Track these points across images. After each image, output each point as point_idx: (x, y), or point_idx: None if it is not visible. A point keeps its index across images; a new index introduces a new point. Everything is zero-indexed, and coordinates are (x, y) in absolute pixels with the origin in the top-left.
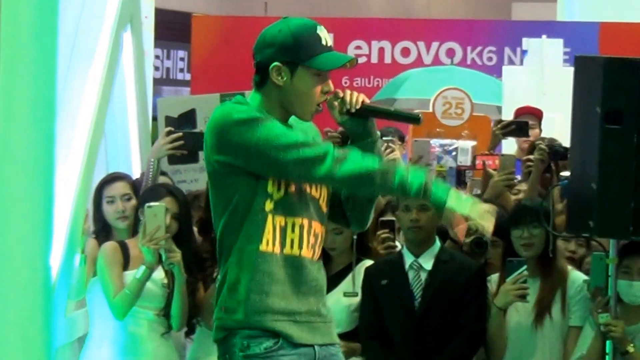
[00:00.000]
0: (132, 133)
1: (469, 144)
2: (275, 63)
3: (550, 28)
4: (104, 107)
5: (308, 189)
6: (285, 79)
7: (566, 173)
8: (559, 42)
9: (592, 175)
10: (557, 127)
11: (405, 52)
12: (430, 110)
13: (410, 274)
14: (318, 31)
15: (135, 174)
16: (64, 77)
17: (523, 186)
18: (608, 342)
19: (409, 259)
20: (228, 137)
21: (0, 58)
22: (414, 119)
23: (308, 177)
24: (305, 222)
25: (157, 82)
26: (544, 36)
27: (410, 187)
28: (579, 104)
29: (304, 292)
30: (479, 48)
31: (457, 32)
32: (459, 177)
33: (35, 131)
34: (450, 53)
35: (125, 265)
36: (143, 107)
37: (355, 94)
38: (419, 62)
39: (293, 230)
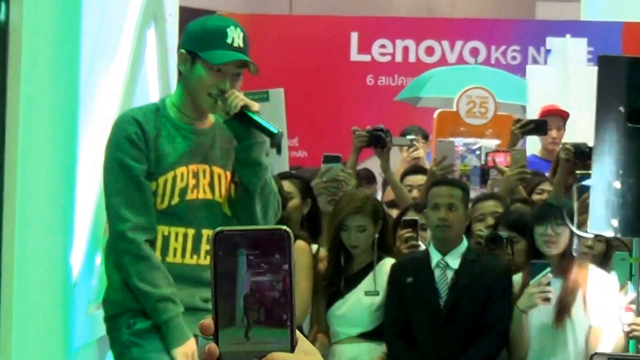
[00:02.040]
0: None
1: (493, 142)
2: (181, 50)
3: (574, 27)
4: (127, 104)
5: (209, 196)
6: (186, 67)
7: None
8: (583, 41)
9: (615, 174)
10: (581, 127)
11: (430, 51)
12: (454, 109)
13: (437, 273)
14: (228, 30)
15: None
16: (86, 74)
17: (547, 186)
18: (631, 342)
19: (435, 257)
20: None
21: (23, 56)
22: (272, 134)
23: None
24: (191, 231)
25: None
26: (567, 35)
27: None
28: (603, 103)
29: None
30: (503, 47)
31: (481, 31)
32: (483, 176)
33: (57, 129)
34: (474, 52)
35: None
36: None
37: (238, 98)
38: (443, 61)
39: (176, 240)
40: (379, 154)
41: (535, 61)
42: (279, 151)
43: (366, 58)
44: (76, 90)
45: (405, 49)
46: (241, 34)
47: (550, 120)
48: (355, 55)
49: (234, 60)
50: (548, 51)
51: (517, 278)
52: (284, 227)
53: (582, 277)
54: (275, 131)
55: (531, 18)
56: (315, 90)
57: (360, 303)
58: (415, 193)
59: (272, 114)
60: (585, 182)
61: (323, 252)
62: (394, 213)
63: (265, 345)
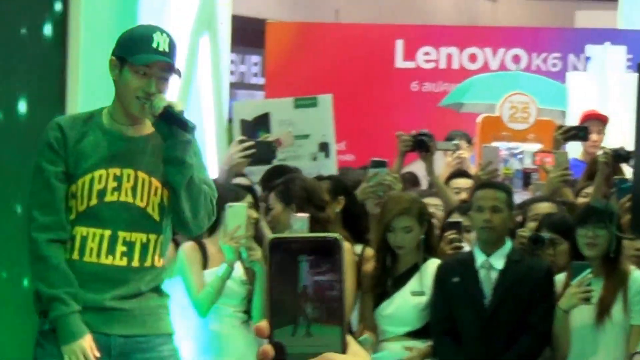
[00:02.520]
0: (208, 135)
1: (535, 147)
2: (111, 57)
3: (613, 35)
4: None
5: (130, 200)
6: (115, 72)
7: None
8: (622, 49)
9: None
10: (619, 131)
11: (473, 58)
12: (497, 114)
13: (481, 273)
14: (154, 35)
15: (210, 172)
16: None
17: (590, 189)
18: None
19: (480, 258)
20: None
21: (81, 63)
22: (188, 127)
23: None
24: (107, 232)
25: (232, 86)
26: (606, 43)
27: None
28: None
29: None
30: (544, 55)
31: (522, 39)
32: (525, 180)
33: None
34: (516, 59)
35: (204, 264)
36: (219, 109)
37: (163, 100)
38: (485, 68)
39: (93, 240)
40: (423, 157)
41: (575, 68)
42: (327, 155)
43: (411, 65)
44: None
45: (449, 56)
46: (167, 39)
47: (591, 124)
48: (400, 62)
49: (159, 63)
50: (587, 58)
51: (560, 278)
52: (336, 234)
53: (622, 278)
54: (192, 125)
55: (570, 26)
56: (362, 96)
57: (407, 303)
58: (463, 195)
59: (320, 119)
60: (625, 185)
61: (369, 252)
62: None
63: (320, 342)
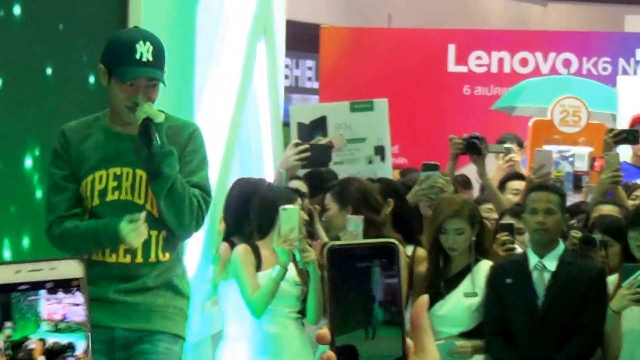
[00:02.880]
0: (265, 138)
1: (586, 150)
2: (100, 64)
3: None
4: (239, 114)
5: (129, 197)
6: (104, 80)
7: None
8: None
9: None
10: None
11: (524, 62)
12: (549, 117)
13: (534, 274)
14: (137, 45)
15: (268, 178)
16: (200, 85)
17: None
18: None
19: (533, 259)
20: None
21: None
22: (152, 145)
23: None
24: None
25: (287, 90)
26: None
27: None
28: None
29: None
30: (594, 59)
31: (572, 43)
32: (576, 182)
33: None
34: (567, 63)
35: (258, 266)
36: (276, 114)
37: (143, 110)
38: (536, 72)
39: None
40: (475, 160)
41: (625, 72)
42: (383, 158)
43: (463, 69)
44: (191, 101)
45: (501, 60)
46: (150, 48)
47: None
48: (452, 67)
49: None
50: (638, 62)
51: (612, 280)
52: (393, 240)
53: None
54: (154, 142)
55: (620, 30)
56: (414, 100)
57: (460, 304)
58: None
59: (376, 122)
60: None
61: (420, 253)
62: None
63: (384, 346)
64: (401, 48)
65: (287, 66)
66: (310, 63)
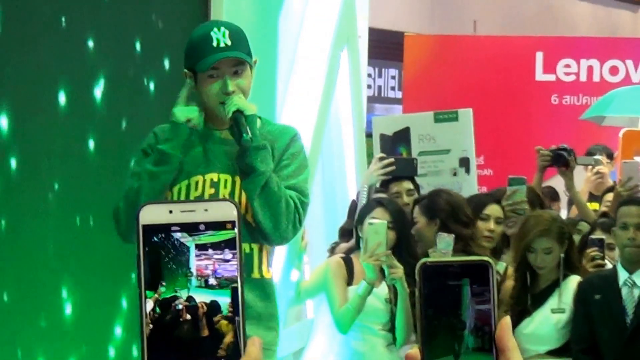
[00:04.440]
0: (347, 150)
1: None
2: (184, 70)
3: None
4: (321, 124)
5: None
6: (192, 85)
7: None
8: None
9: None
10: None
11: (614, 70)
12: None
13: (624, 291)
14: (212, 33)
15: (350, 189)
16: (282, 95)
17: None
18: None
19: (623, 275)
20: None
21: None
22: (242, 138)
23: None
24: None
25: (369, 99)
26: None
27: None
28: None
29: None
30: None
31: None
32: None
33: None
34: None
35: (350, 280)
36: (359, 124)
37: (233, 103)
38: (627, 81)
39: None
40: (562, 173)
41: None
42: (467, 170)
43: (551, 78)
44: (273, 110)
45: (590, 69)
46: (226, 32)
47: None
48: (540, 75)
49: (224, 60)
50: None
51: None
52: (487, 258)
53: None
54: (244, 136)
55: None
56: (501, 110)
57: (548, 321)
58: None
59: (460, 133)
60: None
61: (509, 269)
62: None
63: None
64: (487, 56)
65: (369, 75)
66: (393, 72)
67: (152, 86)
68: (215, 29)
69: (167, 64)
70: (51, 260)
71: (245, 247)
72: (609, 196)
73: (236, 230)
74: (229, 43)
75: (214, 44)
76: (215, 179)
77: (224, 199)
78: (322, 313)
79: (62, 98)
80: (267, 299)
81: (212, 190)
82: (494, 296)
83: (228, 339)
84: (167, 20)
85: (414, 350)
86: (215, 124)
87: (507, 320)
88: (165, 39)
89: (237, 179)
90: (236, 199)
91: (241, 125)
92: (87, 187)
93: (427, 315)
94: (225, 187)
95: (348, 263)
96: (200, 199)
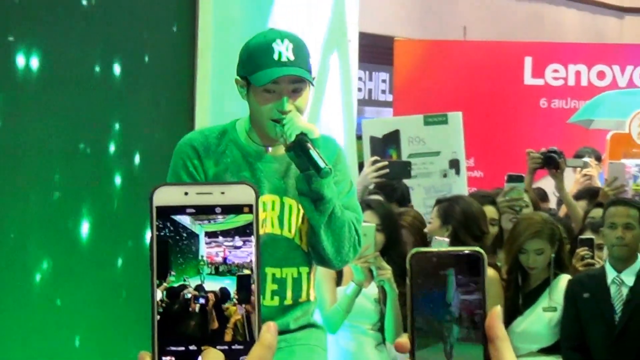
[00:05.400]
0: None
1: None
2: (236, 77)
3: None
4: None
5: (277, 231)
6: (243, 93)
7: None
8: None
9: None
10: None
11: (601, 75)
12: (627, 131)
13: (612, 289)
14: (274, 44)
15: None
16: None
17: None
18: None
19: (611, 274)
20: None
21: (212, 80)
22: (318, 169)
23: None
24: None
25: (360, 102)
26: None
27: None
28: None
29: None
30: None
31: None
32: None
33: None
34: None
35: (339, 281)
36: (350, 127)
37: (294, 125)
38: (614, 85)
39: None
40: (553, 174)
41: None
42: (457, 172)
43: (540, 82)
44: None
45: (578, 73)
46: (290, 45)
47: None
48: (529, 79)
49: (283, 77)
50: None
51: None
52: (479, 249)
53: None
54: (323, 167)
55: None
56: (491, 113)
57: (539, 319)
58: None
59: (450, 136)
60: None
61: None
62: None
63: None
64: (477, 61)
65: (360, 78)
66: (384, 75)
67: (134, 84)
68: (278, 40)
69: (146, 59)
70: None
71: (293, 271)
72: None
73: (253, 214)
74: (292, 58)
75: (275, 56)
76: (263, 200)
77: (242, 182)
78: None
79: None
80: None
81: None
82: (484, 286)
83: (231, 322)
84: (151, 16)
85: (404, 338)
86: (256, 138)
87: (497, 309)
88: (148, 35)
89: (286, 200)
90: (285, 222)
91: (309, 151)
92: None
93: (416, 304)
94: (273, 209)
95: None
96: (218, 181)
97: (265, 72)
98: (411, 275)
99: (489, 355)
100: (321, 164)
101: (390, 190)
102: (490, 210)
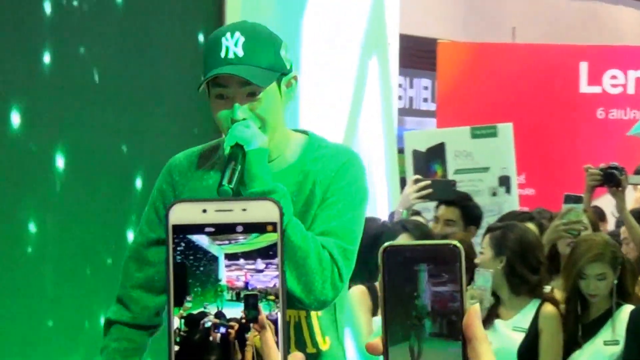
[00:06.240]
0: (377, 165)
1: None
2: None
3: None
4: (349, 139)
5: None
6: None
7: None
8: None
9: None
10: None
11: None
12: None
13: None
14: (223, 39)
15: (380, 207)
16: (306, 109)
17: None
18: None
19: None
20: None
21: None
22: (218, 186)
23: None
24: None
25: (400, 112)
26: None
27: None
28: None
29: None
30: None
31: None
32: None
33: None
34: None
35: (375, 310)
36: (390, 139)
37: (232, 134)
38: None
39: None
40: (613, 193)
41: None
42: (508, 190)
43: (596, 90)
44: (295, 123)
45: (638, 80)
46: (241, 39)
47: None
48: (584, 87)
49: (234, 77)
50: None
51: None
52: (454, 242)
53: None
54: (222, 185)
55: None
56: (542, 124)
57: (600, 353)
58: None
59: (500, 149)
60: None
61: (557, 294)
62: None
63: (439, 359)
64: (527, 65)
65: (400, 85)
66: (426, 82)
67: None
68: (228, 34)
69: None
70: None
71: (294, 314)
72: None
73: (278, 233)
74: (241, 54)
75: (222, 53)
76: None
77: (265, 198)
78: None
79: None
80: None
81: None
82: (462, 282)
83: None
84: (178, 21)
85: (376, 340)
86: None
87: (475, 308)
88: (176, 42)
89: None
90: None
91: (227, 167)
92: None
93: (388, 300)
94: None
95: (372, 292)
96: (239, 197)
97: (211, 72)
98: (383, 270)
99: (466, 354)
100: (223, 181)
101: (472, 208)
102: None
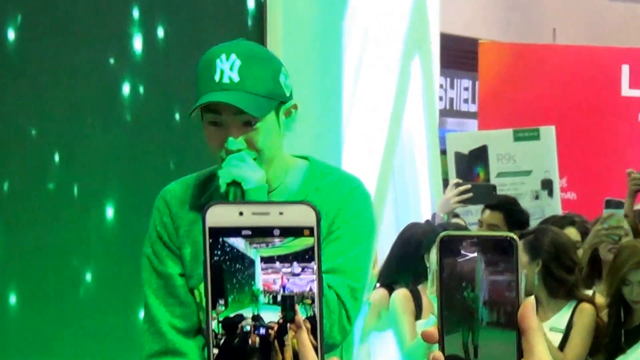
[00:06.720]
0: (420, 167)
1: None
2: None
3: None
4: (393, 141)
5: None
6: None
7: None
8: None
9: None
10: None
11: None
12: None
13: None
14: (218, 60)
15: (424, 210)
16: (348, 111)
17: None
18: None
19: None
20: None
21: None
22: None
23: None
24: None
25: (441, 113)
26: None
27: None
28: None
29: None
30: None
31: None
32: None
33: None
34: None
35: (418, 314)
36: (433, 140)
37: (227, 171)
38: None
39: None
40: None
41: None
42: (550, 193)
43: (638, 93)
44: (339, 125)
45: None
46: (237, 63)
47: None
48: (626, 90)
49: (223, 106)
50: None
51: None
52: (511, 234)
53: None
54: None
55: None
56: (584, 127)
57: None
58: None
59: (542, 153)
60: None
61: (599, 299)
62: None
63: (495, 348)
64: (567, 67)
65: (441, 86)
66: (466, 83)
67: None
68: (223, 56)
69: None
70: None
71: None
72: None
73: (315, 237)
74: (236, 79)
75: (217, 77)
76: None
77: (302, 202)
78: (385, 354)
79: None
80: None
81: None
82: (518, 273)
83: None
84: (217, 20)
85: (431, 328)
86: None
87: (531, 300)
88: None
89: None
90: None
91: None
92: None
93: (445, 288)
94: None
95: (415, 295)
96: (276, 201)
97: (202, 98)
98: (439, 258)
99: (520, 344)
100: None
101: (517, 213)
102: (571, 233)
